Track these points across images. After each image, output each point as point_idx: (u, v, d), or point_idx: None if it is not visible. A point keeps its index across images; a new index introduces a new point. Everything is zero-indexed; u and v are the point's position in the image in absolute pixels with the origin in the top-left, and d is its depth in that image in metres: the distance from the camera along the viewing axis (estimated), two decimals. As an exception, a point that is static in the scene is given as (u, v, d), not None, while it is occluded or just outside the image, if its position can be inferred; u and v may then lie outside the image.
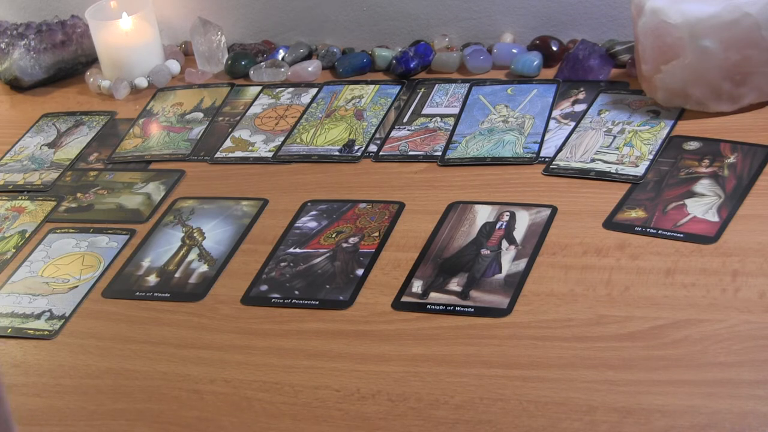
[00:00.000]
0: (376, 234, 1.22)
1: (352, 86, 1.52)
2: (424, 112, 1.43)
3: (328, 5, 1.62)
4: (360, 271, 1.17)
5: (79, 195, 1.41)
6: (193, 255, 1.25)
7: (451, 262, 1.15)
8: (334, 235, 1.23)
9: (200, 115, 1.53)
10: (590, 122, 1.33)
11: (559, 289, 1.09)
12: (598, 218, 1.17)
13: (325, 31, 1.64)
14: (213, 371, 1.08)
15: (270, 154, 1.41)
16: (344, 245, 1.21)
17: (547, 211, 1.19)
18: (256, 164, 1.40)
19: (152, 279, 1.23)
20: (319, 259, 1.20)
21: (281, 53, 1.62)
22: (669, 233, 1.13)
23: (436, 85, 1.48)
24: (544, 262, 1.13)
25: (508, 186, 1.26)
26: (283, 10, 1.65)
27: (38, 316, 1.20)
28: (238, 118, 1.50)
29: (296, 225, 1.26)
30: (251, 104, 1.52)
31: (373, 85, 1.51)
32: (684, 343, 0.99)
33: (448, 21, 1.57)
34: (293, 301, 1.15)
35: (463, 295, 1.11)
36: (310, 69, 1.57)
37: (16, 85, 1.68)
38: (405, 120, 1.42)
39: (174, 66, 1.65)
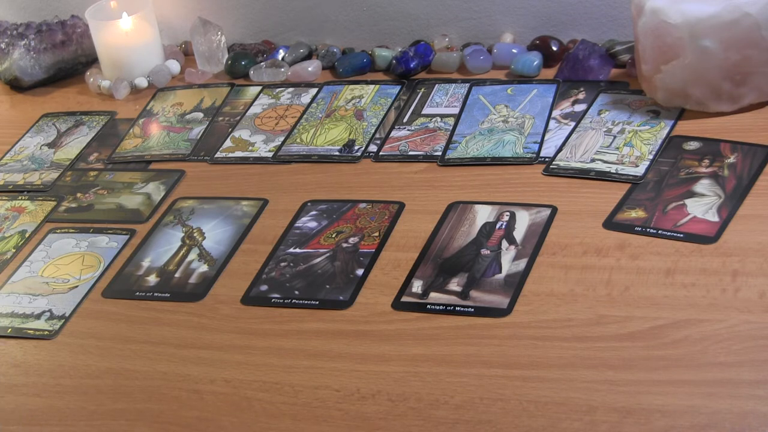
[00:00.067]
0: (376, 234, 1.22)
1: (352, 86, 1.52)
2: (424, 112, 1.43)
3: (328, 5, 1.62)
4: (360, 271, 1.17)
5: (79, 195, 1.41)
6: (193, 255, 1.25)
7: (451, 262, 1.15)
8: (334, 235, 1.23)
9: (200, 115, 1.53)
10: (590, 122, 1.33)
11: (559, 289, 1.09)
12: (598, 218, 1.17)
13: (325, 31, 1.64)
14: (213, 371, 1.08)
15: (270, 154, 1.41)
16: (344, 245, 1.21)
17: (547, 211, 1.19)
18: (256, 164, 1.40)
19: (152, 279, 1.23)
20: (319, 259, 1.20)
21: (281, 53, 1.62)
22: (669, 233, 1.13)
23: (436, 85, 1.48)
24: (544, 262, 1.13)
25: (508, 186, 1.26)
26: (283, 10, 1.65)
27: (38, 316, 1.20)
28: (238, 118, 1.50)
29: (296, 225, 1.26)
30: (251, 104, 1.52)
31: (373, 85, 1.51)
32: (684, 343, 0.99)
33: (448, 21, 1.57)
34: (293, 301, 1.15)
35: (463, 295, 1.11)
36: (310, 69, 1.57)
37: (16, 85, 1.68)
38: (405, 120, 1.42)
39: (174, 66, 1.65)
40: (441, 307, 1.10)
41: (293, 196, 1.32)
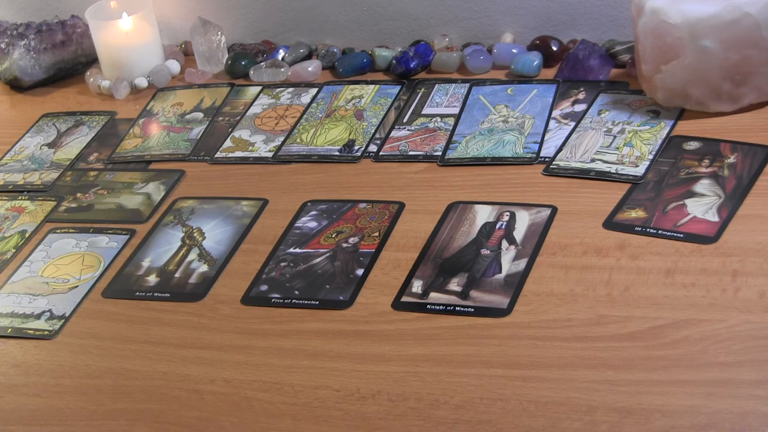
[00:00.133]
0: (376, 234, 1.22)
1: (352, 86, 1.52)
2: (424, 112, 1.43)
3: (328, 5, 1.62)
4: (360, 271, 1.17)
5: (79, 195, 1.41)
6: (193, 255, 1.25)
7: (451, 262, 1.15)
8: (334, 235, 1.23)
9: (200, 115, 1.53)
10: (590, 122, 1.33)
11: (559, 289, 1.09)
12: (598, 218, 1.17)
13: (325, 31, 1.64)
14: (213, 371, 1.08)
15: (270, 154, 1.41)
16: (344, 245, 1.21)
17: (547, 211, 1.19)
18: (256, 164, 1.40)
19: (152, 279, 1.23)
20: (319, 259, 1.20)
21: (281, 53, 1.62)
22: (669, 233, 1.13)
23: (436, 85, 1.48)
24: (544, 262, 1.13)
25: (508, 186, 1.26)
26: (283, 10, 1.65)
27: (38, 316, 1.20)
28: (238, 118, 1.50)
29: (296, 225, 1.26)
30: (251, 104, 1.52)
31: (373, 85, 1.51)
32: (684, 343, 0.99)
33: (448, 21, 1.57)
34: (293, 301, 1.15)
35: (463, 295, 1.11)
36: (310, 69, 1.57)
37: (16, 85, 1.68)
38: (405, 120, 1.42)
39: (174, 66, 1.65)
40: (441, 307, 1.10)
41: (293, 196, 1.32)
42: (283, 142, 1.43)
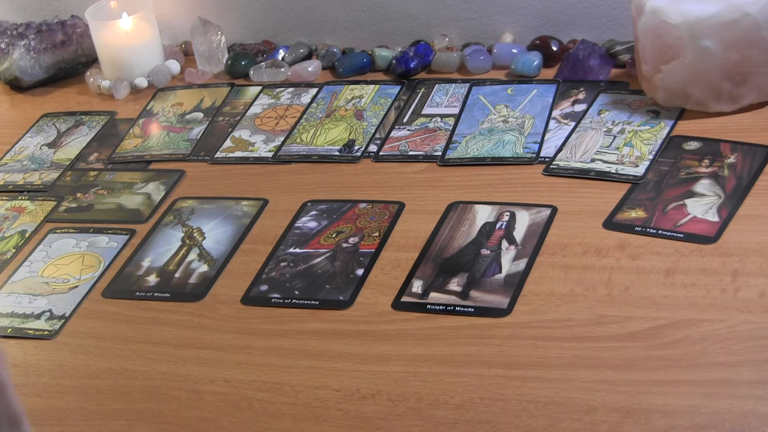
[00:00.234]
0: (376, 234, 1.22)
1: (352, 86, 1.52)
2: (424, 112, 1.43)
3: (328, 5, 1.62)
4: (360, 271, 1.17)
5: (79, 195, 1.41)
6: (193, 255, 1.25)
7: (451, 262, 1.15)
8: (334, 235, 1.23)
9: (200, 115, 1.53)
10: (590, 122, 1.33)
11: (559, 289, 1.09)
12: (598, 218, 1.17)
13: (325, 31, 1.64)
14: (213, 371, 1.08)
15: (270, 154, 1.41)
16: (344, 245, 1.21)
17: (547, 211, 1.19)
18: (256, 164, 1.40)
19: (152, 279, 1.23)
20: (319, 259, 1.20)
21: (281, 53, 1.62)
22: (669, 233, 1.13)
23: (436, 85, 1.48)
24: (544, 262, 1.13)
25: (508, 186, 1.26)
26: (283, 10, 1.65)
27: (38, 316, 1.20)
28: (238, 118, 1.50)
29: (296, 225, 1.26)
30: (251, 104, 1.52)
31: (373, 85, 1.51)
32: (684, 343, 0.99)
33: (448, 21, 1.57)
34: (293, 301, 1.15)
35: (463, 295, 1.11)
36: (310, 69, 1.57)
37: (16, 85, 1.68)
38: (405, 120, 1.42)
39: (174, 66, 1.65)
40: (441, 307, 1.10)
41: (293, 196, 1.32)
42: (283, 142, 1.43)
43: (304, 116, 1.47)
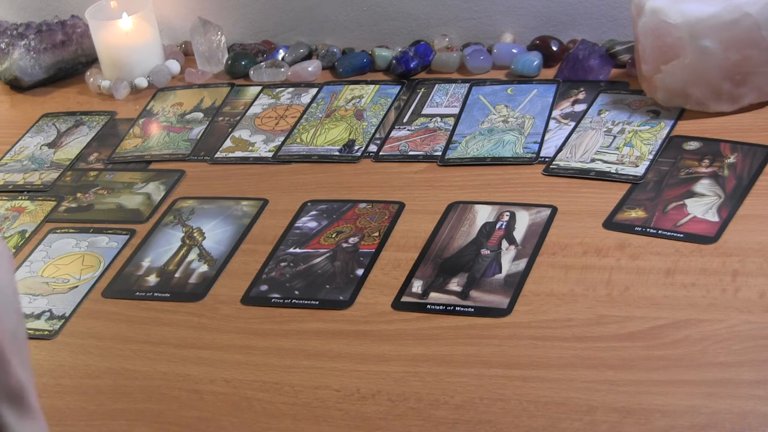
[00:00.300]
0: (376, 234, 1.22)
1: (352, 86, 1.52)
2: (424, 112, 1.43)
3: (328, 5, 1.62)
4: (360, 271, 1.17)
5: (79, 195, 1.41)
6: (193, 255, 1.25)
7: (451, 262, 1.15)
8: (334, 235, 1.23)
9: (200, 115, 1.53)
10: (590, 122, 1.33)
11: (559, 289, 1.09)
12: (598, 218, 1.17)
13: (325, 31, 1.64)
14: (213, 371, 1.08)
15: (270, 154, 1.41)
16: (344, 245, 1.21)
17: (547, 211, 1.19)
18: (256, 164, 1.40)
19: (152, 279, 1.23)
20: (319, 259, 1.20)
21: (281, 53, 1.62)
22: (669, 233, 1.13)
23: (436, 85, 1.48)
24: (544, 262, 1.13)
25: (508, 186, 1.26)
26: (283, 10, 1.65)
27: (38, 316, 1.20)
28: (238, 118, 1.50)
29: (296, 225, 1.26)
30: (251, 104, 1.52)
31: (373, 85, 1.51)
32: (684, 343, 0.99)
33: (448, 21, 1.57)
34: (293, 301, 1.15)
35: (463, 295, 1.11)
36: (310, 69, 1.57)
37: (16, 85, 1.68)
38: (405, 120, 1.42)
39: (174, 66, 1.65)
40: (441, 307, 1.10)
41: (293, 196, 1.32)
42: (283, 142, 1.43)
43: (304, 116, 1.47)
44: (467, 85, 1.46)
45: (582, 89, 1.40)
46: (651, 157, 1.24)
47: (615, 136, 1.29)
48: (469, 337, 1.05)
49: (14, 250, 1.32)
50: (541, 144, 1.31)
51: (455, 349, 1.04)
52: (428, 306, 1.10)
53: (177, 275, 1.22)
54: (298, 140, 1.42)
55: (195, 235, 1.28)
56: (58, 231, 1.34)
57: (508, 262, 1.13)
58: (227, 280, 1.20)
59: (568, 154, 1.28)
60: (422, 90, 1.48)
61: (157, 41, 1.64)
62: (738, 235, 1.11)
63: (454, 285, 1.12)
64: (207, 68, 1.63)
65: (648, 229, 1.14)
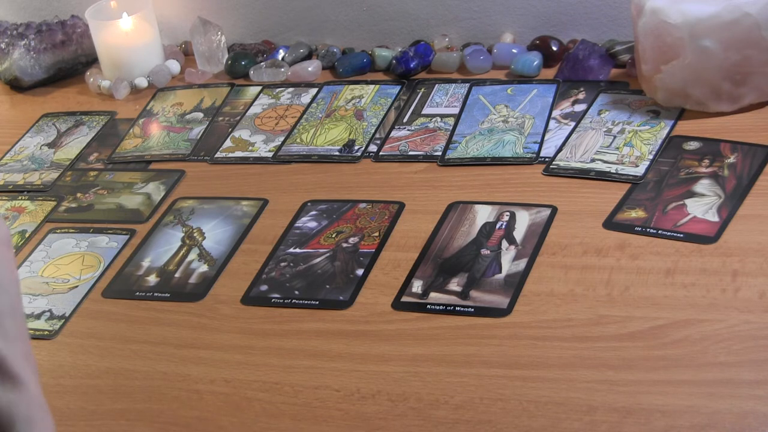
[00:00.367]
0: (376, 234, 1.22)
1: (352, 86, 1.52)
2: (424, 112, 1.43)
3: (328, 5, 1.62)
4: (360, 271, 1.17)
5: (79, 195, 1.41)
6: (193, 255, 1.25)
7: (451, 262, 1.15)
8: (334, 235, 1.23)
9: (200, 115, 1.53)
10: (590, 122, 1.33)
11: (559, 289, 1.09)
12: (598, 218, 1.17)
13: (325, 31, 1.64)
14: (213, 371, 1.08)
15: (270, 154, 1.41)
16: (344, 245, 1.21)
17: (547, 211, 1.19)
18: (256, 164, 1.40)
19: (152, 279, 1.23)
20: (319, 259, 1.20)
21: (281, 53, 1.62)
22: (669, 233, 1.13)
23: (436, 85, 1.48)
24: (544, 262, 1.13)
25: (508, 186, 1.26)
26: (283, 10, 1.65)
27: (38, 316, 1.20)
28: (238, 118, 1.50)
29: (296, 225, 1.26)
30: (251, 104, 1.52)
31: (373, 85, 1.51)
32: (684, 343, 0.99)
33: (448, 21, 1.57)
34: (293, 301, 1.15)
35: (463, 295, 1.11)
36: (310, 69, 1.57)
37: (16, 85, 1.68)
38: (405, 120, 1.42)
39: (174, 66, 1.65)
40: (441, 307, 1.10)
41: (293, 196, 1.32)
42: (283, 142, 1.43)
43: (304, 116, 1.47)
44: (467, 85, 1.46)
45: (582, 89, 1.40)
46: (651, 157, 1.24)
47: (615, 136, 1.29)
48: (469, 337, 1.05)
49: (14, 250, 1.32)
50: (541, 144, 1.31)
51: (455, 349, 1.04)
52: (428, 306, 1.10)
53: (177, 275, 1.22)
54: (298, 140, 1.42)
55: (195, 235, 1.28)
56: (58, 231, 1.34)
57: (508, 262, 1.13)
58: (227, 280, 1.20)
59: (568, 154, 1.28)
60: (422, 90, 1.48)
61: (157, 41, 1.64)
62: (738, 235, 1.11)
63: (454, 285, 1.12)
64: (207, 68, 1.63)
65: (648, 229, 1.14)
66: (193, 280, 1.21)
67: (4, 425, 0.72)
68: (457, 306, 1.09)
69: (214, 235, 1.28)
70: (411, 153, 1.35)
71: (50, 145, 1.53)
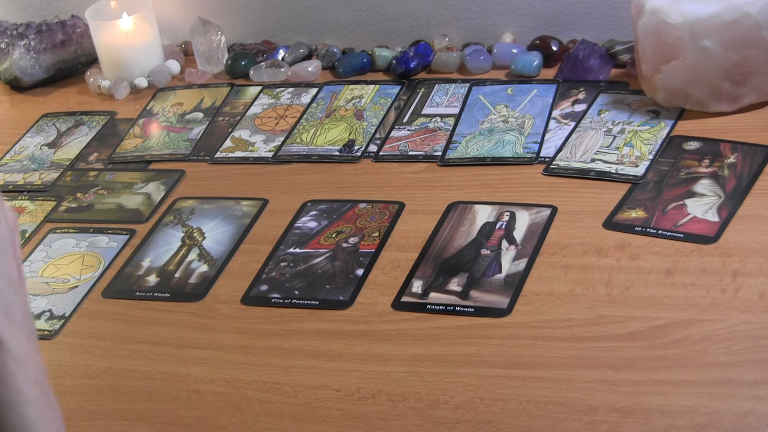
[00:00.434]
0: (376, 234, 1.22)
1: (352, 86, 1.52)
2: (424, 112, 1.43)
3: (328, 5, 1.62)
4: (360, 271, 1.17)
5: (79, 195, 1.41)
6: (193, 255, 1.25)
7: (451, 262, 1.15)
8: (334, 235, 1.23)
9: (200, 115, 1.53)
10: (590, 122, 1.33)
11: (559, 289, 1.09)
12: (598, 218, 1.17)
13: (325, 31, 1.64)
14: (213, 371, 1.08)
15: (270, 154, 1.41)
16: (344, 245, 1.21)
17: (547, 211, 1.19)
18: (256, 164, 1.40)
19: (152, 279, 1.23)
20: (319, 259, 1.20)
21: (281, 53, 1.62)
22: (669, 233, 1.13)
23: (436, 85, 1.48)
24: (544, 262, 1.13)
25: (508, 186, 1.26)
26: (283, 10, 1.65)
27: (38, 316, 1.20)
28: (238, 118, 1.50)
29: (296, 225, 1.26)
30: (251, 104, 1.52)
31: (373, 85, 1.51)
32: (684, 343, 0.99)
33: (448, 21, 1.57)
34: (293, 301, 1.15)
35: (463, 295, 1.11)
36: (310, 69, 1.57)
37: (16, 85, 1.68)
38: (405, 120, 1.42)
39: (174, 66, 1.65)
40: (441, 307, 1.10)
41: (293, 196, 1.32)
42: (283, 142, 1.43)
43: (304, 116, 1.47)
44: (467, 85, 1.46)
45: (582, 89, 1.40)
46: (651, 157, 1.24)
47: (615, 136, 1.29)
48: (469, 337, 1.05)
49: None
50: (541, 144, 1.31)
51: (455, 349, 1.04)
52: (428, 306, 1.10)
53: (177, 275, 1.22)
54: (298, 140, 1.42)
55: (195, 235, 1.28)
56: (58, 231, 1.34)
57: (508, 262, 1.13)
58: (227, 280, 1.20)
59: (568, 154, 1.28)
60: (422, 90, 1.48)
61: (157, 41, 1.64)
62: (738, 235, 1.11)
63: (454, 285, 1.12)
64: (207, 68, 1.63)
65: (648, 229, 1.14)
66: (193, 280, 1.21)
67: None
68: (457, 306, 1.09)
69: (214, 235, 1.28)
70: (411, 153, 1.35)
71: (50, 145, 1.53)
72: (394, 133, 1.40)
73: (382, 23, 1.61)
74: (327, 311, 1.13)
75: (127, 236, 1.30)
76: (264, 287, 1.18)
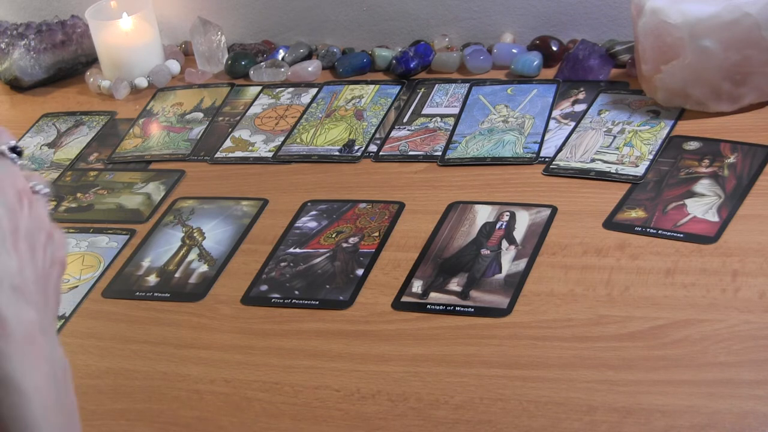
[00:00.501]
0: (376, 234, 1.22)
1: (352, 86, 1.52)
2: (424, 112, 1.43)
3: (328, 5, 1.62)
4: (360, 271, 1.17)
5: (79, 195, 1.41)
6: (193, 255, 1.25)
7: (451, 262, 1.15)
8: (334, 235, 1.23)
9: (200, 115, 1.53)
10: (590, 122, 1.33)
11: (559, 289, 1.09)
12: (598, 218, 1.17)
13: (325, 31, 1.64)
14: (213, 371, 1.08)
15: (270, 154, 1.41)
16: (344, 245, 1.21)
17: (547, 211, 1.19)
18: (256, 164, 1.40)
19: (152, 279, 1.23)
20: (319, 259, 1.20)
21: (281, 53, 1.62)
22: (669, 233, 1.13)
23: (436, 85, 1.48)
24: (544, 262, 1.13)
25: (508, 186, 1.26)
26: (283, 10, 1.65)
27: (38, 316, 1.20)
28: (238, 118, 1.50)
29: (296, 225, 1.26)
30: (251, 104, 1.52)
31: (373, 85, 1.51)
32: (684, 343, 0.99)
33: (448, 21, 1.57)
34: (293, 301, 1.15)
35: (463, 295, 1.11)
36: (310, 69, 1.57)
37: (16, 85, 1.68)
38: (405, 120, 1.42)
39: (174, 66, 1.65)
40: (441, 307, 1.10)
41: (293, 196, 1.32)
42: (283, 142, 1.43)
43: (304, 116, 1.47)
44: (467, 85, 1.46)
45: (582, 89, 1.40)
46: (651, 157, 1.24)
47: (615, 136, 1.29)
48: (469, 337, 1.05)
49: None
50: (541, 144, 1.31)
51: (455, 349, 1.04)
52: (428, 306, 1.10)
53: (177, 275, 1.22)
54: (298, 140, 1.42)
55: (195, 235, 1.28)
56: (58, 231, 1.34)
57: (508, 262, 1.13)
58: (227, 280, 1.20)
59: (568, 154, 1.28)
60: (422, 90, 1.48)
61: (157, 41, 1.64)
62: (738, 235, 1.11)
63: (454, 285, 1.12)
64: (207, 68, 1.63)
65: (648, 229, 1.14)
66: (193, 280, 1.21)
67: None
68: (457, 306, 1.09)
69: (214, 235, 1.28)
70: (411, 153, 1.35)
71: (50, 145, 1.53)
72: (394, 133, 1.40)
73: (382, 23, 1.61)
74: (327, 311, 1.13)
75: (127, 236, 1.30)
76: (264, 287, 1.18)
